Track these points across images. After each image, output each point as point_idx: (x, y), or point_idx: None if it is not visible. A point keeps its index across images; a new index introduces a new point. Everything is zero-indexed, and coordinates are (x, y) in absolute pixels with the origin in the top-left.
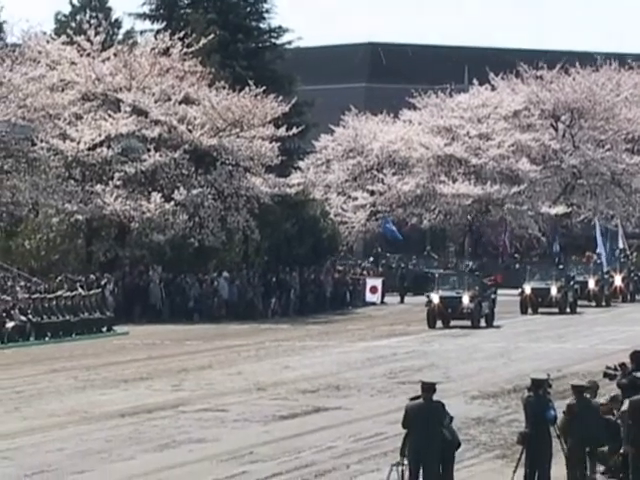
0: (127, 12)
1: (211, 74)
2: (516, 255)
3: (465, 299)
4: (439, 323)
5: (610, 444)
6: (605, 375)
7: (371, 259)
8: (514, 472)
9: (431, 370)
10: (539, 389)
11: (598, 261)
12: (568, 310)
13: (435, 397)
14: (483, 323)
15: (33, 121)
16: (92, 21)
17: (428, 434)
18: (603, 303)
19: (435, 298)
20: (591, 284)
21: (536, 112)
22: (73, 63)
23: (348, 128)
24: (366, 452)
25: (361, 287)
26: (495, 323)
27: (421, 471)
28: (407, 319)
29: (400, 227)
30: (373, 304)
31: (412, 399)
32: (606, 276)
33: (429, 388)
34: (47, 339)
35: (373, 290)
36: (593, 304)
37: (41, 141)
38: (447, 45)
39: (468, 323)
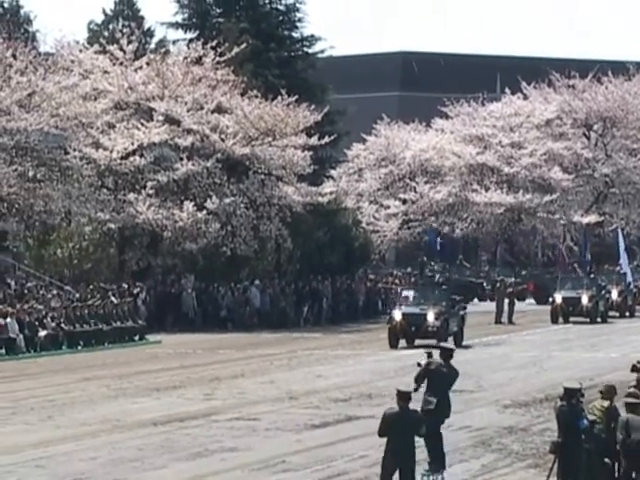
0: (160, 21)
1: (243, 83)
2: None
3: (430, 316)
4: (402, 342)
5: None
6: (634, 369)
7: (408, 269)
8: None
9: (463, 379)
10: (572, 398)
11: (622, 271)
12: (599, 319)
13: (467, 406)
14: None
15: (66, 130)
16: (125, 30)
17: (405, 442)
18: (627, 314)
19: (397, 315)
20: (614, 295)
21: (568, 121)
22: (106, 72)
23: (380, 137)
24: None
25: (394, 296)
26: (527, 332)
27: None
28: None
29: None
30: None
31: (390, 408)
32: (631, 287)
33: (405, 397)
34: (79, 348)
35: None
36: (617, 314)
37: (74, 150)
38: (479, 54)
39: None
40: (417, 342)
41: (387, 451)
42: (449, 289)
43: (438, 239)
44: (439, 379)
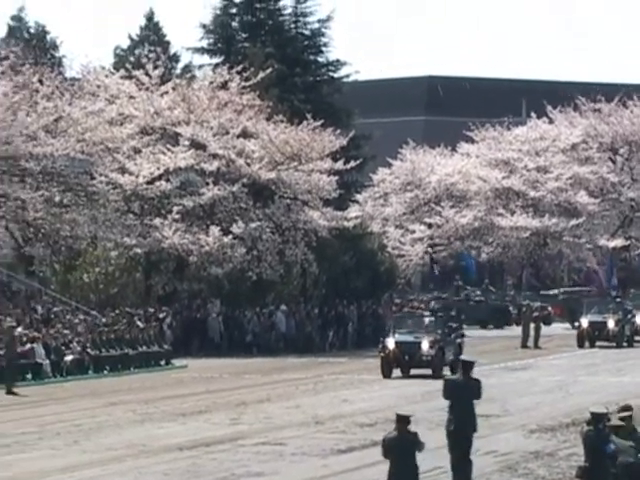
0: (185, 46)
1: (269, 108)
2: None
3: (425, 345)
4: (397, 372)
5: None
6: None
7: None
8: None
9: (489, 403)
10: (599, 423)
11: None
12: (625, 344)
13: (493, 430)
14: (447, 372)
15: (92, 155)
16: (150, 55)
17: (405, 464)
18: None
19: (390, 343)
20: (638, 320)
21: (594, 145)
22: (132, 97)
23: (406, 161)
24: None
25: None
26: (553, 356)
27: None
28: (466, 352)
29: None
30: None
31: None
32: None
33: (404, 420)
34: (105, 372)
35: None
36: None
37: (100, 175)
38: (505, 78)
39: (428, 371)
40: (413, 372)
41: (390, 474)
42: (446, 316)
43: (473, 262)
44: (459, 393)
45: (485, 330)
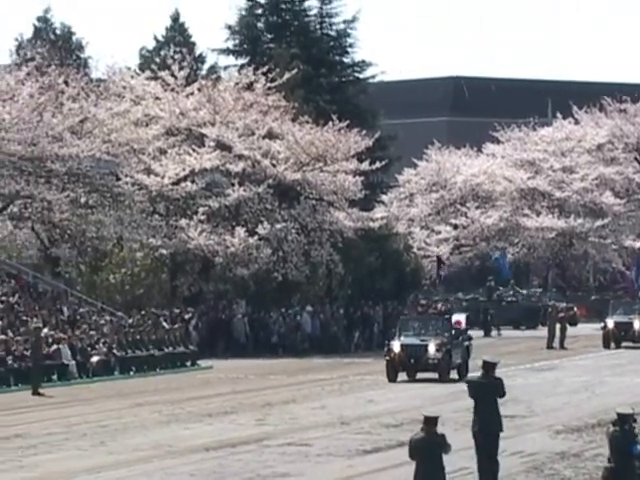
0: (211, 47)
1: (294, 109)
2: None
3: (431, 348)
4: (403, 376)
5: None
6: None
7: (459, 294)
8: None
9: (515, 404)
10: (625, 424)
11: None
12: None
13: (519, 431)
14: (455, 376)
15: (118, 156)
16: (176, 56)
17: (431, 465)
18: None
19: (396, 347)
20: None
21: (620, 145)
22: (157, 98)
23: (431, 162)
24: None
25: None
26: (579, 357)
27: None
28: (492, 353)
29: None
30: None
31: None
32: None
33: (431, 421)
34: (131, 373)
35: (457, 324)
36: None
37: (125, 176)
38: (530, 79)
39: (435, 375)
40: (419, 375)
41: (416, 475)
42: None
43: (507, 262)
44: (483, 393)
45: (518, 331)
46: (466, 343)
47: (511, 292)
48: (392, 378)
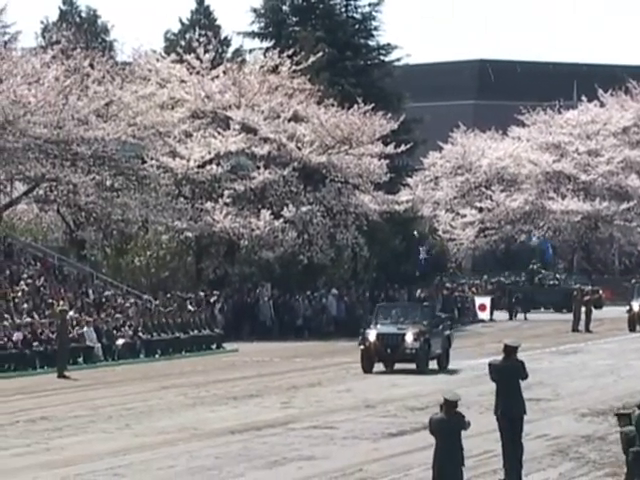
0: (236, 31)
1: (320, 91)
2: None
3: (409, 337)
4: (380, 366)
5: None
6: None
7: (484, 277)
8: None
9: (540, 387)
10: None
11: None
12: None
13: (544, 414)
14: (435, 366)
15: (143, 139)
16: (201, 39)
17: (451, 445)
18: None
19: (371, 335)
20: None
21: None
22: (183, 81)
23: (456, 145)
24: (475, 470)
25: (470, 304)
26: (604, 340)
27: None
28: (517, 336)
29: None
30: (482, 321)
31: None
32: None
33: (451, 404)
34: (157, 356)
35: (482, 308)
36: None
37: (151, 159)
38: (555, 62)
39: (413, 366)
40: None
41: (435, 454)
42: (433, 306)
43: (549, 245)
44: (505, 376)
45: (560, 314)
46: (447, 332)
47: (552, 275)
48: (367, 369)
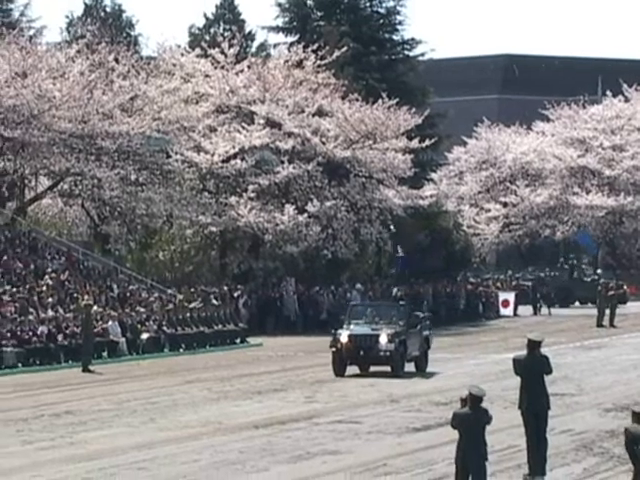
0: (260, 25)
1: (344, 86)
2: None
3: (383, 338)
4: (354, 368)
5: None
6: None
7: (509, 273)
8: None
9: (564, 382)
10: None
11: None
12: None
13: (569, 409)
14: (412, 369)
15: (168, 133)
16: (226, 34)
17: (475, 439)
18: None
19: (343, 336)
20: None
21: None
22: (207, 76)
23: (481, 140)
24: (499, 464)
25: (494, 299)
26: (628, 335)
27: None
28: (541, 331)
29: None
30: (506, 316)
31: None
32: None
33: (477, 400)
34: (181, 350)
35: (505, 304)
36: None
37: (175, 153)
38: (581, 57)
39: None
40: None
41: (458, 447)
42: (410, 305)
43: (591, 240)
44: (529, 370)
45: (585, 309)
46: (425, 332)
47: (592, 270)
48: (339, 372)
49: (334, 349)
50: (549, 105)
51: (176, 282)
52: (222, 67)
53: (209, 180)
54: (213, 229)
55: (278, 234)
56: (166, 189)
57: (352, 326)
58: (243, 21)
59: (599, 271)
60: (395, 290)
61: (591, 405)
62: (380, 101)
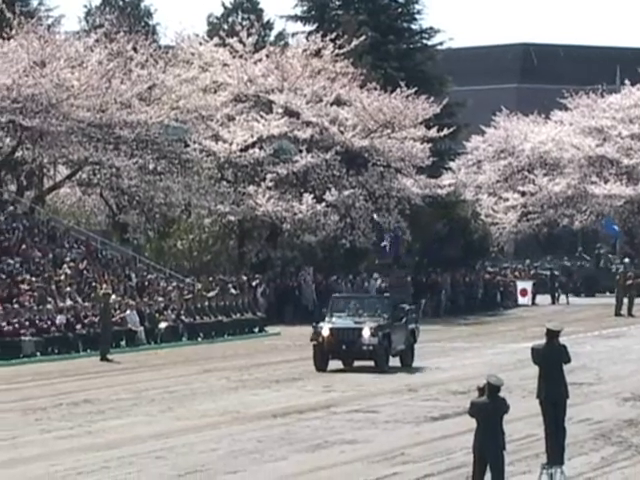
0: (279, 14)
1: (362, 75)
2: None
3: (366, 332)
4: (337, 362)
5: None
6: None
7: (527, 262)
8: None
9: (582, 371)
10: None
11: None
12: None
13: (587, 398)
14: (397, 364)
15: (186, 123)
16: (244, 23)
17: (492, 428)
18: None
19: (324, 330)
20: None
21: None
22: (225, 65)
23: (499, 129)
24: (517, 454)
25: (512, 288)
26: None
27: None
28: (559, 320)
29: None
30: (524, 305)
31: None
32: None
33: (495, 389)
34: (199, 339)
35: (523, 293)
36: None
37: (194, 142)
38: (599, 45)
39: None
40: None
41: (476, 436)
42: (395, 297)
43: (616, 228)
44: (547, 360)
45: (603, 298)
46: (411, 326)
47: (619, 260)
48: (321, 367)
49: (315, 343)
50: (567, 94)
51: (194, 271)
52: (240, 56)
53: (227, 169)
54: (231, 218)
55: (296, 223)
56: (184, 178)
57: (334, 319)
58: (261, 10)
59: (626, 260)
60: (379, 281)
61: (609, 394)
62: (398, 90)
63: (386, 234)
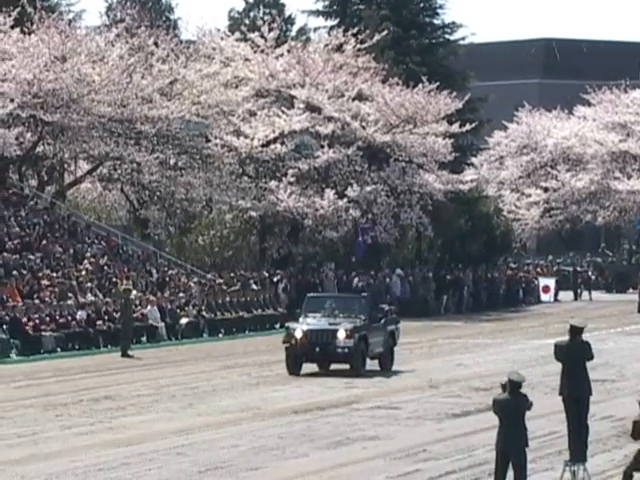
0: (300, 9)
1: (384, 70)
2: None
3: (341, 334)
4: (312, 366)
5: None
6: None
7: (550, 258)
8: None
9: (605, 368)
10: None
11: None
12: None
13: (609, 395)
14: (376, 367)
15: (207, 118)
16: (266, 18)
17: (515, 425)
18: None
19: (298, 332)
20: None
21: None
22: (247, 60)
23: (522, 124)
24: (540, 450)
25: (534, 285)
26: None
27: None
28: (582, 317)
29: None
30: (546, 302)
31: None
32: None
33: (517, 386)
34: (220, 335)
35: (545, 289)
36: None
37: (215, 138)
38: (622, 40)
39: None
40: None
41: (498, 433)
42: (372, 298)
43: None
44: (570, 356)
45: (625, 294)
46: (390, 327)
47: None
48: (293, 370)
49: (287, 345)
50: (590, 89)
51: (215, 267)
52: (262, 51)
53: (249, 164)
54: (253, 214)
55: (318, 219)
56: (205, 173)
57: (308, 319)
58: (283, 5)
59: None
60: (356, 280)
61: (632, 391)
62: (420, 85)
63: (359, 226)
